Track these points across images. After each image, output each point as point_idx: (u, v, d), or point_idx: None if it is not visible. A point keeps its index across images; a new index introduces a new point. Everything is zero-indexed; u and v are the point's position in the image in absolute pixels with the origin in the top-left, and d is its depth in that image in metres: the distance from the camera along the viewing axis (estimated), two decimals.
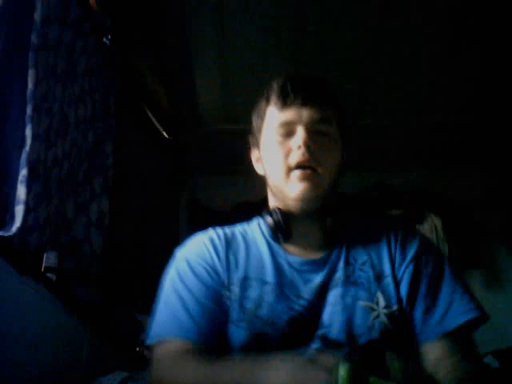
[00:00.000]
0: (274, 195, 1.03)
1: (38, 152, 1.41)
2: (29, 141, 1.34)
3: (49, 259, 1.45)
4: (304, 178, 0.94)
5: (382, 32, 2.33)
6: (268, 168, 1.01)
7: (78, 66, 1.72)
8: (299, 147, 0.94)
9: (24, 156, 1.33)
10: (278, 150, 0.97)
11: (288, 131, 0.98)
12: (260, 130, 1.05)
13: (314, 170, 0.94)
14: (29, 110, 1.35)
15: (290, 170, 0.95)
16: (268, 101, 1.03)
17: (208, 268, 0.97)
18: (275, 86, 1.02)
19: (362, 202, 3.22)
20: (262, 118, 1.04)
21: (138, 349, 2.01)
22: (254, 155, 1.09)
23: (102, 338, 1.73)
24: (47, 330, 1.43)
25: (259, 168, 1.08)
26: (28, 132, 1.34)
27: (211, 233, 1.05)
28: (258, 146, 1.07)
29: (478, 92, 2.69)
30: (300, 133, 0.95)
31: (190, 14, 2.25)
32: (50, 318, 1.45)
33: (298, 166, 0.94)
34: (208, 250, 1.01)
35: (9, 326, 1.23)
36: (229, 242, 1.02)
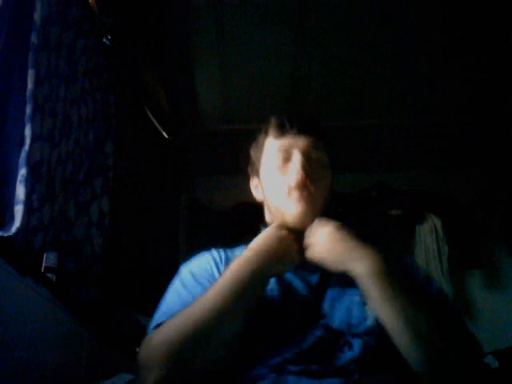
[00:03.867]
0: (273, 216, 1.11)
1: (41, 152, 1.41)
2: (28, 140, 1.34)
3: (49, 259, 1.45)
4: (302, 200, 1.04)
5: (383, 32, 2.33)
6: (268, 190, 1.11)
7: (78, 67, 1.72)
8: (296, 168, 1.05)
9: (23, 156, 1.33)
10: (278, 173, 1.08)
11: (286, 156, 1.09)
12: (259, 159, 1.15)
13: (310, 190, 1.05)
14: (28, 110, 1.35)
15: (289, 190, 1.05)
16: (266, 133, 1.13)
17: (209, 278, 1.04)
18: (272, 121, 1.13)
19: (362, 202, 3.23)
20: (260, 149, 1.15)
21: (138, 349, 2.00)
22: (253, 183, 1.19)
23: (101, 339, 1.73)
24: (47, 331, 1.43)
25: (258, 194, 1.18)
26: (27, 132, 1.34)
27: (213, 251, 1.13)
28: (257, 174, 1.17)
29: (478, 92, 2.69)
30: (297, 156, 1.07)
31: (189, 13, 2.25)
32: (50, 318, 1.45)
33: (297, 186, 1.04)
34: (209, 264, 1.09)
35: (9, 326, 1.23)
36: (228, 259, 1.09)
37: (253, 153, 1.17)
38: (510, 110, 2.78)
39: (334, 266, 0.98)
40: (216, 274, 1.05)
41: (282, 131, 1.10)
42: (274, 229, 1.02)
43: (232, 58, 2.50)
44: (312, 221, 1.04)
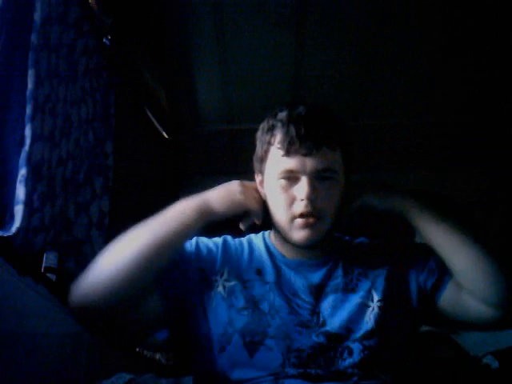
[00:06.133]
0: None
1: (41, 152, 1.41)
2: (28, 141, 1.34)
3: (49, 259, 1.45)
4: (306, 227, 0.98)
5: (383, 32, 2.33)
6: (271, 206, 1.05)
7: (78, 67, 1.72)
8: (302, 200, 0.97)
9: (23, 156, 1.33)
10: (282, 197, 1.00)
11: (291, 178, 1.00)
12: (263, 160, 1.07)
13: (314, 219, 0.98)
14: (28, 110, 1.35)
15: (293, 218, 0.99)
16: (272, 135, 1.03)
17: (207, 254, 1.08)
18: (279, 124, 1.02)
19: None
20: (265, 150, 1.06)
21: (137, 349, 2.00)
22: (258, 178, 1.13)
23: (101, 339, 1.73)
24: (47, 331, 1.43)
25: (261, 192, 1.11)
26: (28, 132, 1.34)
27: (219, 241, 1.15)
28: (261, 172, 1.10)
29: (478, 92, 2.69)
30: (303, 184, 0.98)
31: (189, 13, 2.25)
32: (50, 318, 1.45)
33: (301, 215, 0.98)
34: (215, 244, 1.11)
35: (8, 326, 1.23)
36: (232, 247, 1.12)
37: (258, 146, 1.10)
38: (510, 110, 2.77)
39: (382, 203, 1.01)
40: (215, 252, 1.09)
41: (289, 146, 0.98)
42: (233, 182, 1.06)
43: (232, 58, 2.50)
44: (317, 243, 1.01)
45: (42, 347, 1.39)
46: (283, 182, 1.00)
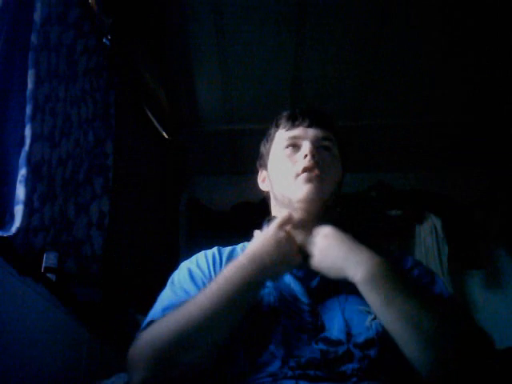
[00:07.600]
0: (279, 205, 1.10)
1: (41, 152, 1.41)
2: (28, 140, 1.34)
3: (49, 259, 1.45)
4: (309, 180, 1.03)
5: (383, 32, 2.33)
6: (275, 178, 1.10)
7: (78, 67, 1.72)
8: (305, 156, 1.04)
9: (23, 156, 1.33)
10: (286, 161, 1.08)
11: (295, 145, 1.09)
12: (268, 151, 1.15)
13: (317, 173, 1.03)
14: (28, 110, 1.35)
15: (296, 175, 1.04)
16: (277, 126, 1.14)
17: (204, 279, 1.03)
18: (284, 113, 1.14)
19: (362, 202, 3.23)
20: (270, 141, 1.15)
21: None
22: (261, 176, 1.19)
23: (101, 339, 1.73)
24: (47, 330, 1.43)
25: (265, 186, 1.17)
26: (28, 132, 1.34)
27: (214, 249, 1.13)
28: (265, 167, 1.16)
29: (478, 92, 2.69)
30: (306, 144, 1.06)
31: (189, 14, 2.25)
32: (50, 318, 1.45)
33: (304, 171, 1.03)
34: (207, 264, 1.08)
35: (8, 326, 1.23)
36: (229, 257, 1.08)
37: (263, 146, 1.18)
38: (510, 110, 2.78)
39: (331, 274, 0.95)
40: (213, 275, 1.03)
41: (293, 123, 1.10)
42: (273, 230, 0.96)
43: (232, 58, 2.50)
44: (318, 206, 1.02)
45: (42, 347, 1.39)
46: (288, 150, 1.08)
